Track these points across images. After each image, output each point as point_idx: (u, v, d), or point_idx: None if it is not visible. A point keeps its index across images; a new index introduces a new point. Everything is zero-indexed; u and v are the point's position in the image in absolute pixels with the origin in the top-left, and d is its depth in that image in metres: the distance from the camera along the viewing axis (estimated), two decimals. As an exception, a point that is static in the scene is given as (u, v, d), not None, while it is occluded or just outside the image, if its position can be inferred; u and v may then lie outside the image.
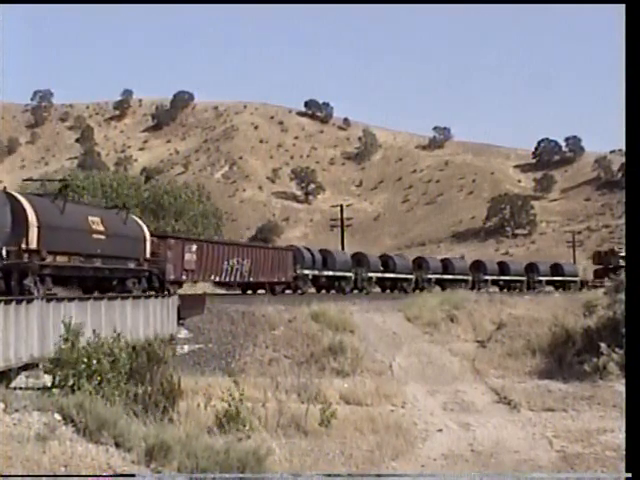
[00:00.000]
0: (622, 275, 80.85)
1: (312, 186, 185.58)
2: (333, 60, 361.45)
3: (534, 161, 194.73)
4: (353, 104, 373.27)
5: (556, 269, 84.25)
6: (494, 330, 40.62)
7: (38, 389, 19.48)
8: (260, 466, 16.15)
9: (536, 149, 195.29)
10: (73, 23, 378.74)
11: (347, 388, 30.02)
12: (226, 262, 43.37)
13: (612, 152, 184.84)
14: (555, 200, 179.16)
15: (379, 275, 61.27)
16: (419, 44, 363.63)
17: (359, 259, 60.61)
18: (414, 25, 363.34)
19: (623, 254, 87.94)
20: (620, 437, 25.35)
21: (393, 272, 62.96)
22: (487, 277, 72.50)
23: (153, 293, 33.98)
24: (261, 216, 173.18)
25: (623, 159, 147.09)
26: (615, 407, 29.86)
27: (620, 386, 31.39)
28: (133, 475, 14.74)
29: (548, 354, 36.80)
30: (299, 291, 51.45)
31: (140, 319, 28.14)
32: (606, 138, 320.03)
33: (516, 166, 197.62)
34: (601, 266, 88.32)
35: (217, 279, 43.16)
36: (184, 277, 38.90)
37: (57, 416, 15.76)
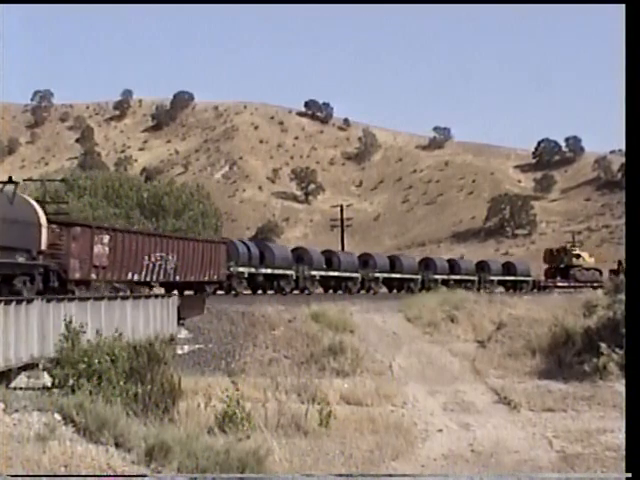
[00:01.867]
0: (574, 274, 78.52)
1: (312, 186, 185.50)
2: (333, 60, 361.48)
3: (534, 161, 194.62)
4: (353, 104, 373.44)
5: (508, 268, 78.85)
6: (494, 330, 40.62)
7: (38, 389, 19.48)
8: (260, 466, 16.15)
9: (536, 149, 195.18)
10: (73, 23, 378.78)
11: (347, 388, 30.03)
12: (147, 257, 35.47)
13: (612, 152, 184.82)
14: (555, 200, 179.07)
15: (322, 274, 55.36)
16: (419, 44, 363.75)
17: (299, 255, 54.61)
18: (414, 25, 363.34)
19: (577, 252, 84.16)
20: (620, 437, 25.35)
21: (337, 270, 57.38)
22: (437, 276, 67.92)
23: (153, 293, 34.05)
24: (261, 216, 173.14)
25: (623, 159, 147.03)
26: (615, 407, 29.87)
27: (620, 386, 31.39)
28: (145, 475, 14.75)
29: (548, 354, 36.79)
30: (233, 292, 45.12)
31: (140, 319, 28.15)
32: (606, 138, 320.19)
33: (516, 166, 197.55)
34: (553, 265, 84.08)
35: (136, 278, 34.80)
36: (93, 275, 31.24)
37: (57, 416, 15.76)
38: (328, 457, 22.19)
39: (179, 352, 31.71)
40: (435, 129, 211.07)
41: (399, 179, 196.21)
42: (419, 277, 65.61)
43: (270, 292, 49.19)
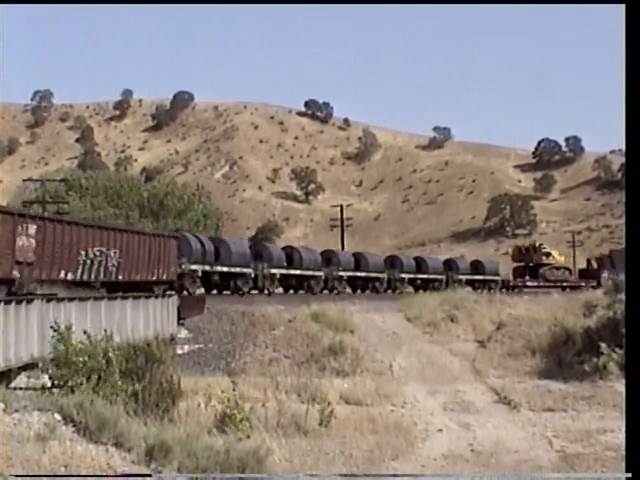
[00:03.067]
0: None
1: (312, 186, 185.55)
2: (333, 60, 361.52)
3: (534, 161, 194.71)
4: (353, 104, 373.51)
5: (476, 267, 74.57)
6: (494, 330, 40.61)
7: (38, 389, 19.49)
8: (260, 466, 16.15)
9: (536, 149, 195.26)
10: (73, 23, 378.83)
11: (347, 388, 30.04)
12: (84, 252, 29.98)
13: (612, 152, 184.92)
14: (555, 200, 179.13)
15: (283, 272, 51.22)
16: (419, 44, 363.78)
17: (258, 252, 50.48)
18: (414, 25, 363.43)
19: (547, 250, 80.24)
20: (620, 437, 25.36)
21: (299, 268, 53.23)
22: (403, 275, 64.09)
23: (153, 293, 34.05)
24: (261, 216, 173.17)
25: (623, 159, 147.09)
26: (615, 407, 29.87)
27: (620, 386, 31.39)
28: (150, 475, 14.76)
29: (548, 354, 36.79)
30: (185, 293, 40.19)
31: (140, 319, 28.16)
32: (606, 138, 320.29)
33: (516, 166, 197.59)
34: (521, 264, 79.75)
35: (70, 277, 29.44)
36: (16, 273, 25.96)
37: (57, 416, 15.76)
38: (328, 457, 22.20)
39: (179, 352, 31.72)
40: (435, 129, 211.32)
41: (399, 179, 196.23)
42: (385, 276, 61.60)
43: (226, 292, 45.39)
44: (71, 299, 24.19)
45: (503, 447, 25.55)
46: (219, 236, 58.37)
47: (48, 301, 22.45)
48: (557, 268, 79.47)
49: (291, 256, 53.36)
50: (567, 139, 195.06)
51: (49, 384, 19.65)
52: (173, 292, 36.89)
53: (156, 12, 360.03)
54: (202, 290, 43.55)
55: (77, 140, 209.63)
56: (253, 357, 33.02)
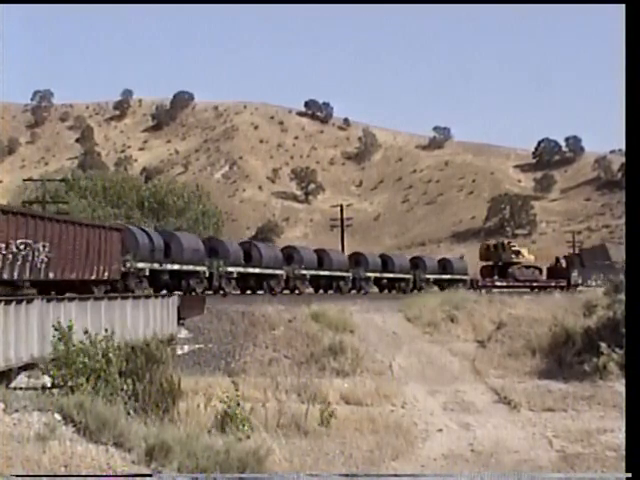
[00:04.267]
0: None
1: (312, 186, 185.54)
2: (333, 60, 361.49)
3: (534, 161, 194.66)
4: (353, 104, 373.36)
5: (444, 266, 70.21)
6: (494, 330, 40.62)
7: (38, 389, 19.49)
8: (260, 466, 16.15)
9: (536, 149, 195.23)
10: (73, 23, 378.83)
11: (347, 388, 30.05)
12: (3, 245, 25.51)
13: (612, 152, 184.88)
14: (555, 200, 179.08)
15: (241, 270, 46.94)
16: (419, 44, 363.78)
17: (213, 248, 46.21)
18: (414, 25, 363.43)
19: (517, 248, 76.88)
20: (620, 437, 25.37)
21: (259, 267, 49.01)
22: (369, 274, 59.97)
23: (153, 293, 34.06)
24: (261, 216, 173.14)
25: (623, 159, 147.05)
26: (615, 407, 29.89)
27: (620, 386, 31.40)
28: (150, 475, 14.75)
29: (548, 354, 36.80)
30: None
31: (140, 319, 28.16)
32: (606, 138, 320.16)
33: (516, 166, 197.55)
34: (489, 263, 75.86)
35: None
36: None
37: (57, 416, 15.76)
38: (328, 457, 22.22)
39: (179, 352, 31.73)
40: (435, 129, 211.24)
41: (399, 179, 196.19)
42: (349, 275, 57.81)
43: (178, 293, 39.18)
44: (71, 299, 24.23)
45: (503, 447, 25.56)
46: (169, 229, 53.55)
47: (48, 301, 22.47)
48: (527, 267, 75.87)
49: (249, 253, 49.20)
50: (567, 139, 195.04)
51: (49, 384, 19.66)
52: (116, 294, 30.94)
53: (156, 12, 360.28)
54: (151, 291, 37.21)
55: (77, 140, 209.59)
56: (253, 357, 33.02)
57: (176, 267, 40.91)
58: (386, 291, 62.23)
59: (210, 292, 42.96)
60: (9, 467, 14.00)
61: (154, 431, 16.02)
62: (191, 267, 42.02)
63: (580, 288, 70.67)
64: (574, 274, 74.89)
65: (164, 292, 36.57)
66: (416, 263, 66.76)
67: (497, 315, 42.34)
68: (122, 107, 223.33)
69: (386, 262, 63.11)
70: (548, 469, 23.57)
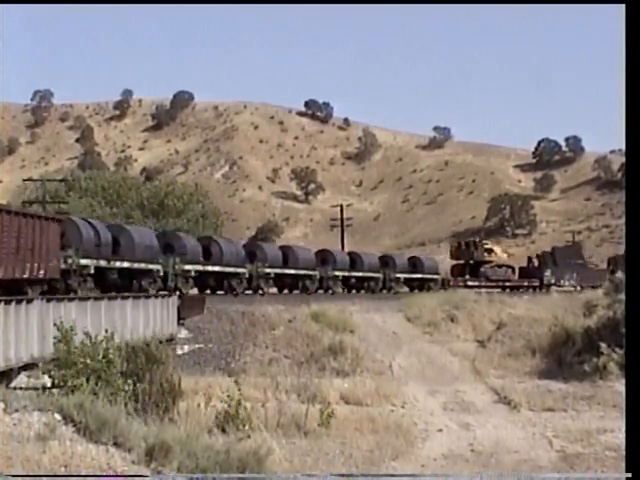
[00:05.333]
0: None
1: (312, 186, 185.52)
2: (333, 60, 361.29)
3: (534, 161, 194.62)
4: (353, 104, 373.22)
5: (414, 264, 66.58)
6: (494, 330, 40.62)
7: (38, 389, 19.50)
8: (260, 466, 16.15)
9: (536, 149, 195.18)
10: (73, 23, 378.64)
11: (347, 388, 30.05)
12: None
13: (612, 152, 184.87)
14: (555, 200, 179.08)
15: (199, 268, 43.45)
16: (419, 44, 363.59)
17: (169, 244, 42.34)
18: (414, 25, 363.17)
19: (490, 246, 74.39)
20: (620, 437, 25.37)
21: (219, 264, 45.74)
22: (337, 272, 56.30)
23: (153, 293, 34.06)
24: (261, 216, 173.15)
25: (623, 159, 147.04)
26: (615, 407, 29.88)
27: (620, 386, 31.40)
28: (147, 476, 14.75)
29: (548, 354, 36.81)
30: (74, 295, 29.52)
31: (140, 319, 28.17)
32: (606, 138, 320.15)
33: (516, 166, 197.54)
34: (460, 261, 72.70)
35: None
36: None
37: (57, 416, 15.76)
38: (328, 457, 22.22)
39: (179, 352, 31.75)
40: (435, 129, 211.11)
41: (399, 179, 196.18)
42: (316, 274, 54.20)
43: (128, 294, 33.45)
44: (71, 299, 24.24)
45: (503, 447, 25.56)
46: (119, 223, 49.36)
47: (48, 301, 22.47)
48: (499, 266, 72.86)
49: (209, 249, 45.67)
50: (567, 139, 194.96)
51: (49, 384, 19.67)
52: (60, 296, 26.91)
53: (156, 12, 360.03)
54: (98, 292, 33.30)
55: (77, 140, 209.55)
56: (253, 357, 33.03)
57: (126, 265, 36.72)
58: (354, 291, 58.75)
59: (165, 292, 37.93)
60: (9, 467, 14.00)
61: (154, 431, 16.02)
62: (143, 265, 37.88)
63: (554, 288, 68.56)
64: (547, 273, 72.51)
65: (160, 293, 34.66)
66: (386, 261, 63.66)
67: (497, 315, 42.34)
68: (122, 107, 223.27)
69: (354, 260, 60.00)
70: (548, 469, 23.57)
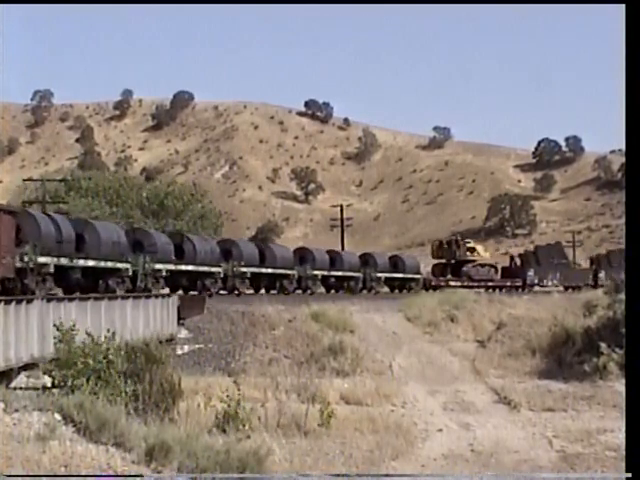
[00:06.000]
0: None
1: (312, 186, 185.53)
2: (333, 60, 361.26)
3: (534, 161, 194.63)
4: (353, 104, 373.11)
5: (395, 264, 63.67)
6: (494, 330, 40.62)
7: (38, 389, 19.50)
8: (260, 466, 16.15)
9: (536, 149, 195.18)
10: (73, 23, 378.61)
11: (347, 388, 30.05)
12: None
13: (612, 152, 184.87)
14: (555, 200, 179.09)
15: (171, 267, 40.46)
16: (419, 44, 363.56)
17: (138, 241, 39.71)
18: (414, 25, 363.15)
19: (472, 245, 71.53)
20: (620, 437, 25.37)
21: (192, 263, 42.64)
22: (316, 272, 53.46)
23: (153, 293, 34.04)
24: (261, 216, 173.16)
25: (623, 159, 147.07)
26: (615, 407, 29.88)
27: (620, 386, 31.40)
28: (135, 476, 14.74)
29: (548, 354, 36.80)
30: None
31: (140, 319, 28.18)
32: (606, 138, 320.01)
33: (516, 166, 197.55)
34: (442, 261, 69.90)
35: None
36: None
37: (57, 416, 15.76)
38: (328, 457, 22.21)
39: (179, 352, 31.75)
40: (435, 129, 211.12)
41: (399, 179, 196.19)
42: (294, 273, 51.40)
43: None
44: (71, 299, 24.24)
45: (503, 447, 25.55)
46: (84, 218, 46.17)
47: (48, 301, 22.48)
48: (482, 265, 70.10)
49: (181, 247, 42.99)
50: (567, 139, 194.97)
51: (49, 384, 19.67)
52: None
53: (156, 12, 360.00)
54: (59, 292, 31.50)
55: (77, 140, 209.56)
56: (253, 357, 33.03)
57: (91, 263, 33.64)
58: (333, 291, 56.11)
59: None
60: (9, 467, 14.00)
61: (154, 431, 16.03)
62: (110, 264, 35.01)
63: (536, 288, 67.32)
64: (530, 273, 70.31)
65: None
66: (366, 260, 60.80)
67: (497, 315, 42.34)
68: (122, 107, 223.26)
69: (334, 259, 57.38)
70: (548, 469, 23.57)
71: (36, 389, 19.62)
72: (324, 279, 55.16)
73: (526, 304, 45.29)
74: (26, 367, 21.02)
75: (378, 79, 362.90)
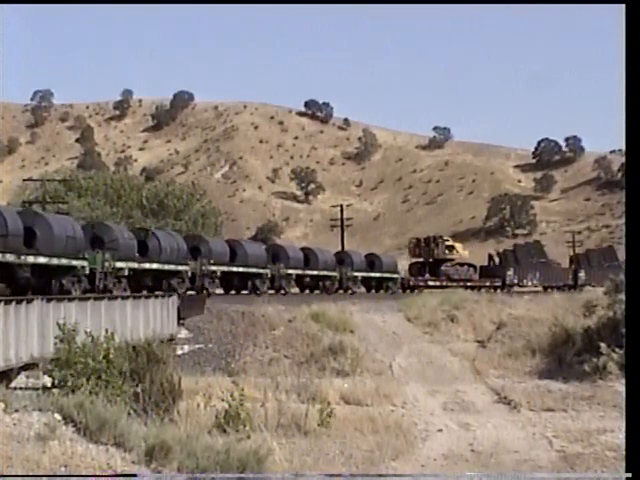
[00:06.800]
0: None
1: (312, 186, 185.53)
2: (333, 60, 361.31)
3: (534, 161, 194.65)
4: (353, 104, 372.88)
5: (372, 262, 60.91)
6: (494, 330, 40.63)
7: (38, 389, 19.50)
8: (260, 466, 16.15)
9: (536, 149, 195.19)
10: (73, 23, 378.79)
11: (347, 388, 30.05)
12: None
13: (612, 152, 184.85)
14: (555, 200, 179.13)
15: (134, 266, 37.13)
16: (419, 44, 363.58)
17: (97, 236, 36.29)
18: (414, 25, 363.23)
19: (451, 243, 68.94)
20: (620, 437, 25.36)
21: (156, 261, 39.35)
22: (290, 271, 50.52)
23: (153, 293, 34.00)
24: (261, 216, 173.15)
25: (623, 159, 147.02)
26: (615, 407, 29.86)
27: (620, 386, 31.39)
28: (134, 475, 14.74)
29: (548, 354, 36.80)
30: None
31: (140, 319, 28.17)
32: (606, 138, 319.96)
33: (516, 166, 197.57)
34: (419, 260, 67.49)
35: None
36: None
37: (57, 416, 15.76)
38: (328, 457, 22.21)
39: (179, 352, 31.75)
40: (435, 129, 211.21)
41: (399, 179, 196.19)
42: (267, 272, 48.32)
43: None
44: (71, 299, 24.23)
45: (503, 447, 25.54)
46: (34, 209, 41.80)
47: (48, 301, 22.47)
48: (461, 264, 68.06)
49: (145, 244, 39.60)
50: (567, 139, 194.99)
51: (49, 384, 19.67)
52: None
53: (156, 12, 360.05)
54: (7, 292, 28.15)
55: (77, 140, 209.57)
56: (253, 357, 33.04)
57: (42, 260, 30.41)
58: (308, 291, 53.86)
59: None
60: (9, 467, 14.00)
61: (154, 431, 16.03)
62: (64, 261, 31.66)
63: (515, 289, 65.24)
64: (509, 273, 68.42)
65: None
66: (342, 259, 58.18)
67: (497, 315, 42.36)
68: (122, 107, 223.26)
69: (308, 257, 54.27)
70: (548, 469, 23.55)
71: (36, 389, 19.62)
72: (299, 278, 52.53)
73: (526, 304, 45.31)
74: (26, 367, 21.01)
75: (378, 79, 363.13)
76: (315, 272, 53.81)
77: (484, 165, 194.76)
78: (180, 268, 40.90)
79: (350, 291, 55.82)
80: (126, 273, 36.37)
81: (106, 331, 21.12)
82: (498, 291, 63.91)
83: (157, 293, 34.55)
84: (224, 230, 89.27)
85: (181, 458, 15.34)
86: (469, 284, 63.92)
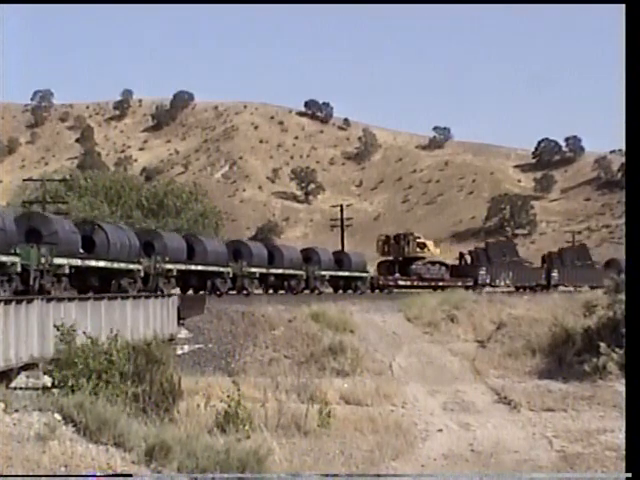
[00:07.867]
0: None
1: (312, 186, 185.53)
2: (333, 60, 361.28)
3: (534, 161, 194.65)
4: (353, 104, 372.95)
5: (340, 261, 57.66)
6: (494, 330, 40.63)
7: (38, 389, 19.50)
8: (260, 466, 16.15)
9: (536, 149, 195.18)
10: (73, 23, 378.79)
11: (347, 388, 30.06)
12: None
13: (612, 152, 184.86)
14: (555, 200, 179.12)
15: (77, 263, 32.52)
16: (419, 44, 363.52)
17: (33, 229, 32.12)
18: (414, 25, 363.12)
19: (422, 240, 65.46)
20: (620, 437, 25.36)
21: (105, 259, 35.00)
22: (254, 269, 47.43)
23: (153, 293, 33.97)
24: (261, 216, 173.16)
25: (623, 159, 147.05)
26: (615, 407, 29.87)
27: (620, 386, 31.40)
28: (130, 475, 14.74)
29: (548, 354, 36.81)
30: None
31: (140, 319, 28.17)
32: (606, 138, 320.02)
33: (516, 166, 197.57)
34: (389, 258, 63.70)
35: None
36: None
37: (57, 416, 15.76)
38: (328, 457, 22.21)
39: (179, 352, 31.75)
40: (435, 129, 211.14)
41: (399, 179, 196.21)
42: (229, 271, 45.10)
43: None
44: (71, 299, 24.23)
45: (503, 447, 25.54)
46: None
47: (48, 301, 22.46)
48: (432, 263, 64.46)
49: (91, 239, 35.45)
50: (567, 139, 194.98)
51: (49, 384, 19.68)
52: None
53: (156, 12, 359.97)
54: None
55: (77, 140, 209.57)
56: (253, 357, 33.06)
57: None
58: (272, 291, 49.69)
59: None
60: (9, 467, 14.00)
61: (154, 431, 16.03)
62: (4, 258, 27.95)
63: (487, 289, 62.19)
64: (482, 272, 65.39)
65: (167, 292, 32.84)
66: (309, 257, 54.69)
67: (497, 315, 42.35)
68: (122, 107, 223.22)
69: (273, 255, 50.84)
70: (548, 469, 23.55)
71: (36, 389, 19.62)
72: (262, 277, 48.73)
73: (526, 304, 45.31)
74: (26, 367, 21.01)
75: (378, 79, 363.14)
76: (280, 270, 50.50)
77: (484, 165, 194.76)
78: (131, 267, 36.56)
79: (317, 291, 52.65)
80: (67, 271, 32.06)
81: (110, 331, 21.14)
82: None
83: (157, 293, 34.55)
84: (224, 230, 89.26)
85: (181, 458, 15.34)
86: (440, 284, 61.39)
